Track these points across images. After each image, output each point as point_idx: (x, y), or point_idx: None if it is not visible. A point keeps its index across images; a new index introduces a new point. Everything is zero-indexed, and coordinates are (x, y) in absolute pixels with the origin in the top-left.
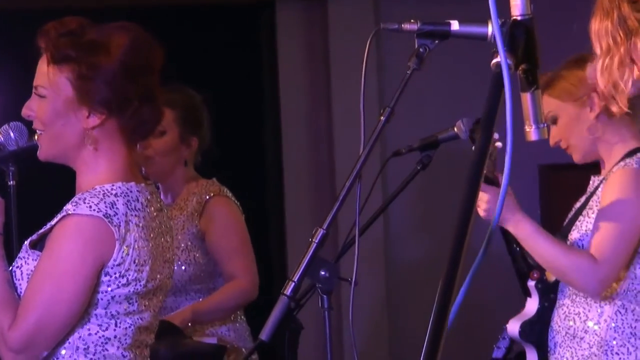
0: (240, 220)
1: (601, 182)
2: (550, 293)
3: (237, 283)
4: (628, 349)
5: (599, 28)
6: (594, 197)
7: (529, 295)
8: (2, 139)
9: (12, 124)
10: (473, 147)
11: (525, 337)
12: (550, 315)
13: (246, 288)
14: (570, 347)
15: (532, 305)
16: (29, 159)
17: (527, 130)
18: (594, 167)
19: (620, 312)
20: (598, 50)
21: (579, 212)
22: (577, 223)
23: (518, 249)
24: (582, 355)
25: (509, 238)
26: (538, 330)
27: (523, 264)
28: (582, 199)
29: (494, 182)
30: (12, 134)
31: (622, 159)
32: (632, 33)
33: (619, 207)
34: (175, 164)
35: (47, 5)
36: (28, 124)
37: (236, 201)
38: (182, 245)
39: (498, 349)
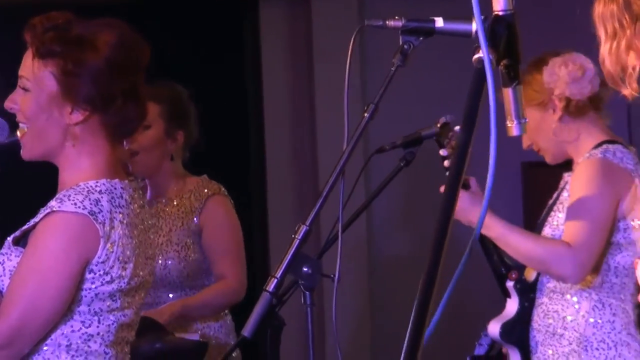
0: (237, 221)
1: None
2: (529, 293)
3: (226, 283)
4: (608, 344)
5: (604, 11)
6: (563, 193)
7: (509, 296)
8: None
9: None
10: (440, 151)
11: (506, 338)
12: (531, 315)
13: (234, 289)
14: (552, 345)
15: (512, 305)
16: (10, 154)
17: (509, 125)
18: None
19: (597, 307)
20: (602, 34)
21: (550, 208)
22: (549, 219)
23: (494, 250)
24: (563, 352)
25: (484, 240)
26: (519, 331)
27: (500, 265)
28: (554, 196)
29: (463, 185)
30: None
31: (589, 152)
32: (637, 18)
33: (587, 195)
34: (161, 159)
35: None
36: (9, 119)
37: (231, 200)
38: (182, 242)
39: (480, 345)
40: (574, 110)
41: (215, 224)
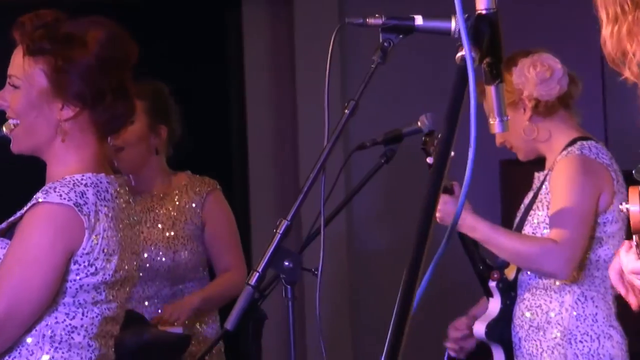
0: (233, 215)
1: (546, 175)
2: (510, 291)
3: (233, 275)
4: (591, 336)
5: None
6: (542, 191)
7: (491, 295)
8: None
9: None
10: (427, 159)
11: (491, 338)
12: (512, 312)
13: (239, 281)
14: (535, 340)
15: (494, 305)
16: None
17: (491, 122)
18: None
19: (580, 300)
20: (604, 17)
21: (529, 207)
22: (529, 218)
23: (476, 252)
24: (548, 346)
25: (466, 242)
26: (501, 328)
27: (483, 266)
28: (530, 195)
29: (448, 190)
30: None
31: (564, 149)
32: (638, 5)
33: (570, 192)
34: (146, 154)
35: None
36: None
37: None
38: (189, 235)
39: None
40: (543, 110)
41: (219, 219)
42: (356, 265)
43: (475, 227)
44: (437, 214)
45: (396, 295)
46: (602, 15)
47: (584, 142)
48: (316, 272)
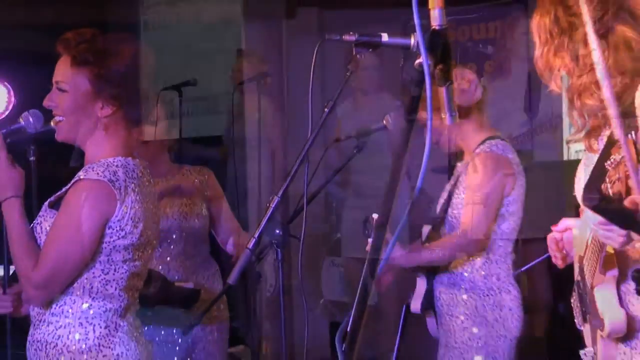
0: None
1: (464, 166)
2: (432, 268)
3: (242, 231)
4: (495, 290)
5: (539, 22)
6: (460, 179)
7: (419, 275)
8: (23, 123)
9: (31, 111)
10: (369, 240)
11: (425, 311)
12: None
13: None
14: (452, 293)
15: (421, 285)
16: (46, 139)
17: (443, 117)
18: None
19: (487, 263)
20: (537, 40)
21: (451, 192)
22: (451, 200)
23: None
24: (462, 298)
25: None
26: (429, 301)
27: None
28: (452, 182)
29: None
30: (31, 119)
31: (478, 146)
32: (563, 32)
33: (480, 184)
34: (163, 147)
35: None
36: (44, 112)
37: None
38: (203, 203)
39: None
40: (463, 113)
41: (220, 194)
42: (331, 234)
43: (409, 259)
44: None
45: (362, 254)
46: (536, 39)
47: (492, 141)
48: (299, 238)
